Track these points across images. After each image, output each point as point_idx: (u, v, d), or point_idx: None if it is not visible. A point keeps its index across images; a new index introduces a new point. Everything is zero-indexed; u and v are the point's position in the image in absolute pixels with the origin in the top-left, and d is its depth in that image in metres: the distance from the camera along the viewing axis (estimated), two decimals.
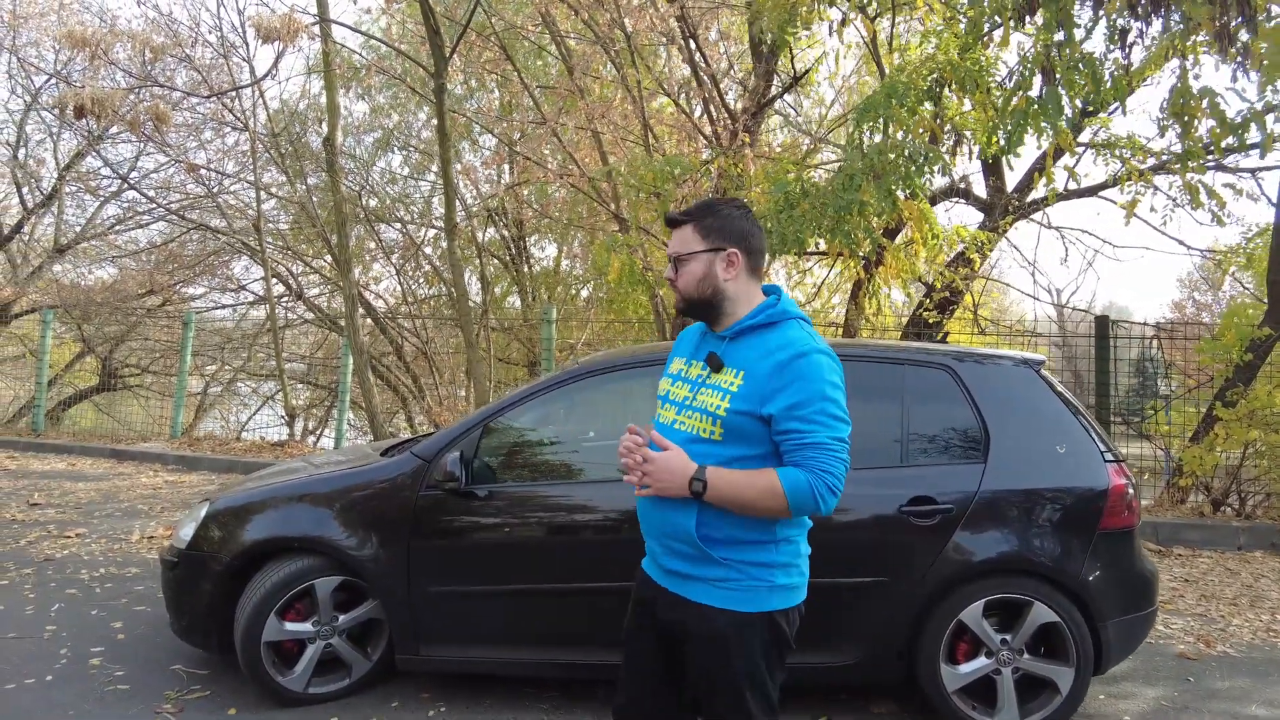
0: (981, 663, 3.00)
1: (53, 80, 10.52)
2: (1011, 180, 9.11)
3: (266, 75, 8.15)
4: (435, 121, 7.71)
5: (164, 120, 7.02)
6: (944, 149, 4.99)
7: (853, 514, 3.05)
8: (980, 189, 9.59)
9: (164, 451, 9.17)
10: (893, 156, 4.84)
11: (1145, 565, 3.17)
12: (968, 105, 5.83)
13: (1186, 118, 3.87)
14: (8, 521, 6.01)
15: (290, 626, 3.16)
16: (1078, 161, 7.92)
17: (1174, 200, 7.19)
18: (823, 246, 7.12)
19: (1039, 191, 8.51)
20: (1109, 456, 3.14)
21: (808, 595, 1.83)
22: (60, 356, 17.18)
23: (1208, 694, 3.48)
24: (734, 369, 1.76)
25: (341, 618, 3.22)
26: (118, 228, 15.21)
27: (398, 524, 3.16)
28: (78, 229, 15.41)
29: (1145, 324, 8.15)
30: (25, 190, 15.22)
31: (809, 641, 3.02)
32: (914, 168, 4.77)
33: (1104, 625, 2.98)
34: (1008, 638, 3.00)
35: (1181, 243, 13.63)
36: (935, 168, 4.90)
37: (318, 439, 14.74)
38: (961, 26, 6.18)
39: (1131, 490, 3.10)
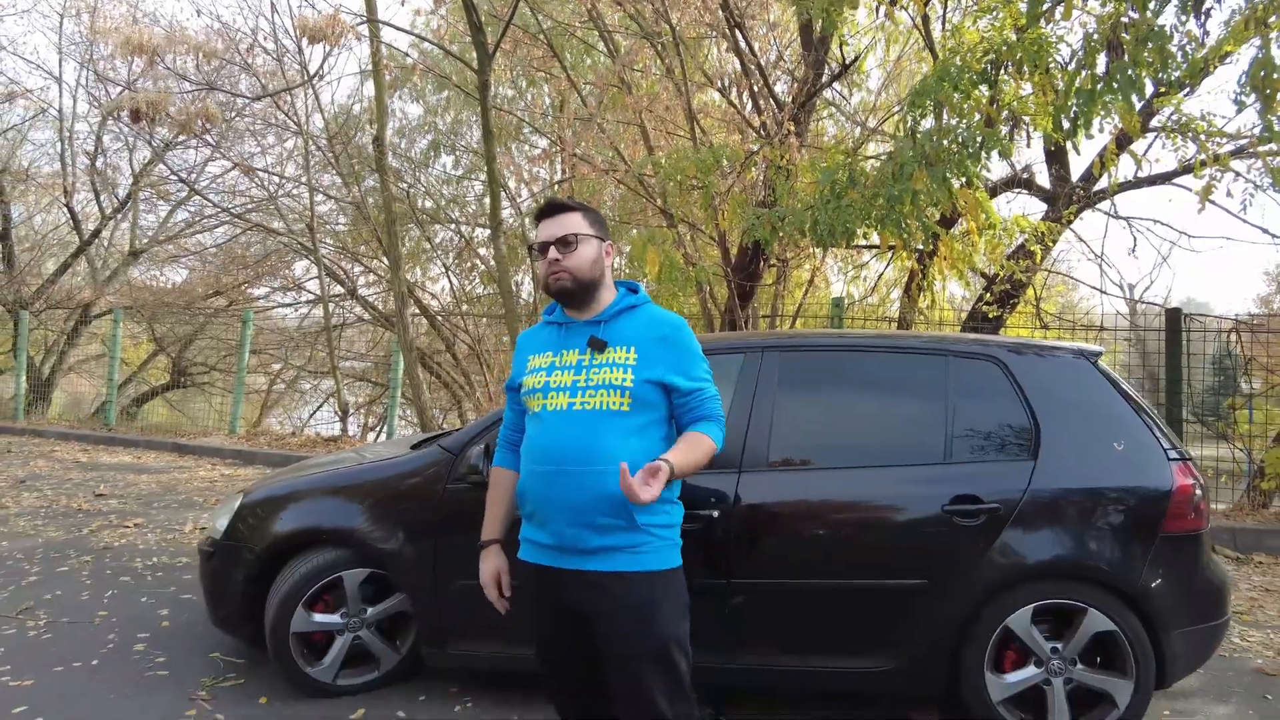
0: (1030, 672, 2.81)
1: (126, 91, 11.00)
2: (1076, 169, 8.68)
3: (315, 76, 8.33)
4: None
5: (213, 120, 7.26)
6: (1001, 134, 4.73)
7: (893, 513, 2.90)
8: (1043, 179, 9.18)
9: (222, 446, 9.45)
10: (946, 142, 4.62)
11: (1215, 572, 2.93)
12: (1026, 89, 5.55)
13: (1268, 91, 3.57)
14: (74, 511, 6.26)
15: (318, 618, 3.17)
16: (1148, 149, 7.46)
17: (1254, 184, 6.73)
18: (874, 239, 6.90)
19: (1105, 181, 8.08)
20: (1173, 454, 2.91)
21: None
22: (136, 356, 18.00)
23: None
24: (623, 346, 1.96)
25: (370, 610, 3.22)
26: (186, 231, 15.82)
27: (424, 517, 3.13)
28: (150, 233, 16.09)
29: (1222, 317, 7.66)
30: (103, 197, 15.98)
31: (846, 646, 2.90)
32: (969, 153, 4.54)
33: (1167, 636, 2.76)
34: (1059, 646, 2.80)
35: (1265, 230, 12.64)
36: (993, 152, 4.63)
37: (377, 434, 15.05)
38: (1022, 7, 5.88)
39: (1199, 491, 2.87)
